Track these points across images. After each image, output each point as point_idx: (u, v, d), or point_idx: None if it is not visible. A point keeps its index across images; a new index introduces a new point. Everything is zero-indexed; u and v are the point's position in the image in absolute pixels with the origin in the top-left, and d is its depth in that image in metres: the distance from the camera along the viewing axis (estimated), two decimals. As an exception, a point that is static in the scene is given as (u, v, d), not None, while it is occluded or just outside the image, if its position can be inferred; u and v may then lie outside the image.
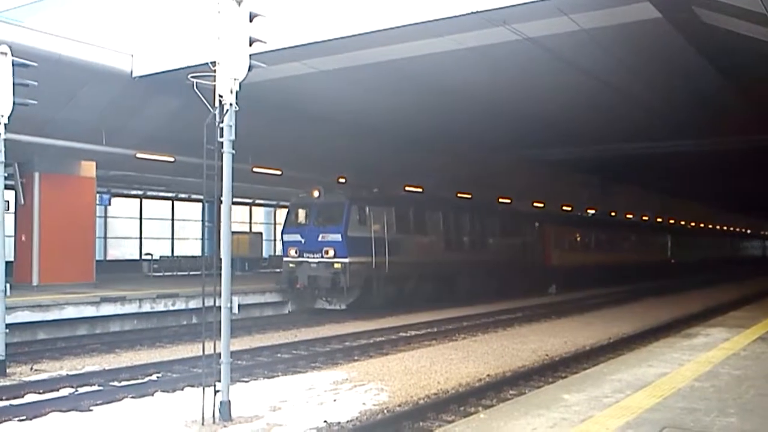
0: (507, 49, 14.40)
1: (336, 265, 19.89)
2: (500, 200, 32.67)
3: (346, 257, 19.95)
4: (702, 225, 61.54)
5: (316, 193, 21.02)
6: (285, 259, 21.19)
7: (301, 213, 21.36)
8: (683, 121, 22.59)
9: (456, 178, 29.52)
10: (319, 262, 20.23)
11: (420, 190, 27.48)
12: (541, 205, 36.03)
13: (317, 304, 20.71)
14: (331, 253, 20.04)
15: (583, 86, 17.86)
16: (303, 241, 20.73)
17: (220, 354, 8.46)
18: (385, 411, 9.15)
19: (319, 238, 20.37)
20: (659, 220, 51.38)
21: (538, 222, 31.97)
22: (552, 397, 7.41)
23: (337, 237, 20.12)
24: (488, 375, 11.67)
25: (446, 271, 24.12)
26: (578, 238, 36.12)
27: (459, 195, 29.37)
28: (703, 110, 21.13)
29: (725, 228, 69.51)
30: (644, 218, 49.30)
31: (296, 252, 20.79)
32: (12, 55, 11.42)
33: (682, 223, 56.45)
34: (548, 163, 32.33)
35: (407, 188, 26.94)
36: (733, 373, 8.65)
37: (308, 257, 20.48)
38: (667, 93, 19.30)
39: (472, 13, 12.14)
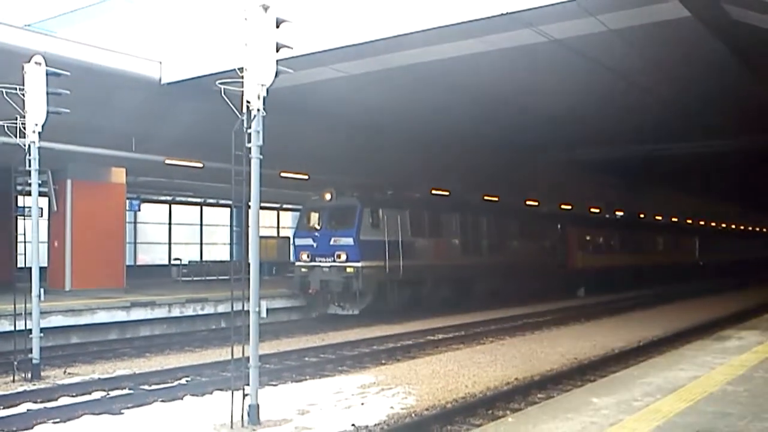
0: (536, 50, 14.32)
1: (348, 270, 19.58)
2: (528, 202, 32.40)
3: (358, 261, 19.62)
4: (733, 226, 60.42)
5: (328, 196, 20.65)
6: (297, 263, 20.84)
7: (313, 216, 20.97)
8: (714, 119, 22.26)
9: (484, 180, 29.40)
10: (331, 266, 19.89)
11: (446, 193, 27.37)
12: (568, 207, 35.58)
13: (330, 310, 20.32)
14: (344, 257, 19.73)
15: (612, 86, 17.70)
16: (315, 245, 20.39)
17: (248, 358, 8.52)
18: (413, 415, 9.15)
19: (331, 242, 20.04)
20: (687, 221, 50.38)
21: (560, 223, 31.23)
22: (581, 400, 7.35)
23: (350, 241, 19.81)
24: (516, 378, 11.61)
25: (463, 274, 23.66)
26: (603, 240, 35.33)
27: (485, 197, 29.13)
28: (734, 108, 20.79)
29: (758, 228, 68.17)
30: (672, 219, 48.48)
31: (308, 256, 20.42)
32: (46, 65, 11.66)
33: (713, 224, 55.37)
34: (577, 164, 32.05)
35: (434, 191, 26.86)
36: (768, 377, 8.50)
37: (320, 261, 20.14)
38: (697, 92, 19.04)
39: (500, 15, 12.11)
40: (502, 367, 12.61)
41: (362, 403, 9.69)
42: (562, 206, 35.32)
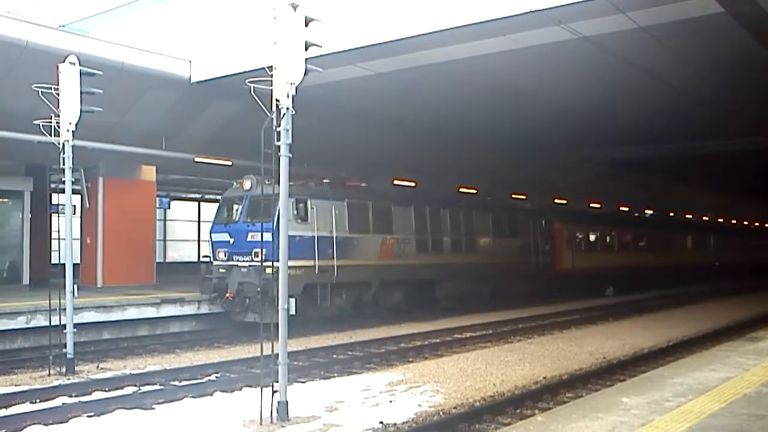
0: (564, 48, 14.24)
1: (268, 270, 16.09)
2: (554, 200, 31.95)
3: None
4: (766, 225, 58.99)
5: (247, 184, 17.31)
6: (215, 263, 17.70)
7: (234, 208, 17.73)
8: (747, 117, 21.92)
9: (511, 178, 29.28)
10: (249, 266, 16.87)
11: (474, 191, 27.25)
12: (562, 201, 33.72)
13: (248, 317, 16.85)
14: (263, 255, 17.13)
15: (641, 84, 17.49)
16: (232, 241, 17.26)
17: (277, 355, 8.60)
18: (441, 413, 9.15)
19: (249, 238, 16.83)
20: (692, 217, 46.36)
21: (545, 220, 27.78)
22: (611, 400, 7.31)
23: (269, 236, 16.65)
24: (544, 377, 11.56)
25: (420, 276, 20.96)
26: (598, 239, 31.28)
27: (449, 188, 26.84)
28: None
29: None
30: (683, 216, 44.71)
31: (225, 254, 17.38)
32: (79, 65, 11.86)
33: (743, 223, 53.20)
34: (606, 163, 31.72)
35: (461, 189, 26.76)
36: (803, 378, 8.35)
37: (238, 261, 17.11)
38: (730, 89, 18.74)
39: (529, 12, 12.06)
40: (530, 366, 12.55)
41: (390, 401, 9.72)
42: (561, 201, 32.10)
